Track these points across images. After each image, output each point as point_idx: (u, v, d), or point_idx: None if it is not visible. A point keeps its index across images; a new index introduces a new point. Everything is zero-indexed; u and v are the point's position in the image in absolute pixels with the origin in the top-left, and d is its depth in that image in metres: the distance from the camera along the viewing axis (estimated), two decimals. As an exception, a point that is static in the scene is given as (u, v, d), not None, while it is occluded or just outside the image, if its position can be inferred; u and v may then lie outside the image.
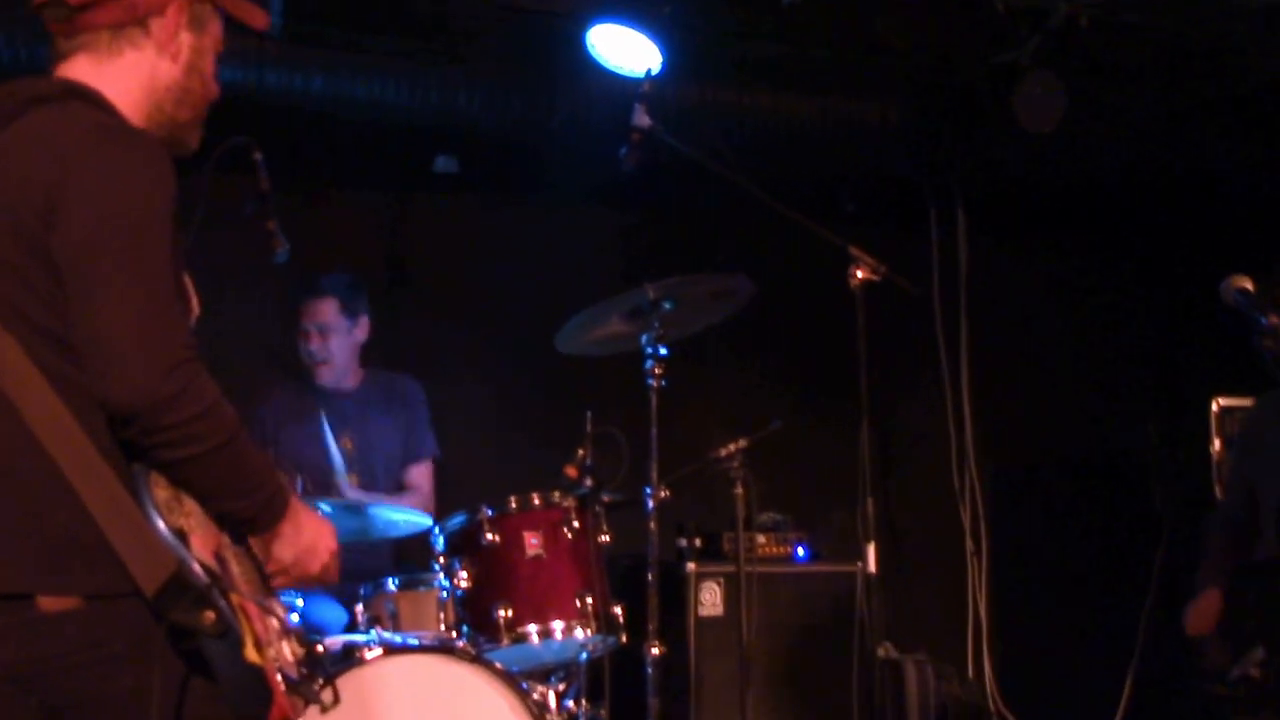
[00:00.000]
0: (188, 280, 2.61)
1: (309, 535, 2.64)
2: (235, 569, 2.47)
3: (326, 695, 2.55)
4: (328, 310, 5.57)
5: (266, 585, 2.61)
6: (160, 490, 2.36)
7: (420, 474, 5.70)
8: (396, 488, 5.58)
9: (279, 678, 2.37)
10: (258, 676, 2.32)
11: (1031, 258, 7.97)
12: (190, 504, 2.42)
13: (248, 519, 2.53)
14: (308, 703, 2.49)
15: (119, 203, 2.41)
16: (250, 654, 2.28)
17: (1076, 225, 7.72)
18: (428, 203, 7.03)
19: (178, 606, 2.27)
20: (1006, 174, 7.23)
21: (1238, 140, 6.75)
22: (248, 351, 6.08)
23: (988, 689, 7.66)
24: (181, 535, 2.32)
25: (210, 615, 2.27)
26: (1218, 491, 5.74)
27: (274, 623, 2.48)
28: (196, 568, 2.29)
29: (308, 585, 2.78)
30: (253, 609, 2.38)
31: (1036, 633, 7.60)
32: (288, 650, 2.49)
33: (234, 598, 2.34)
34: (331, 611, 5.04)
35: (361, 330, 5.66)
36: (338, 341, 5.58)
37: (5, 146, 2.47)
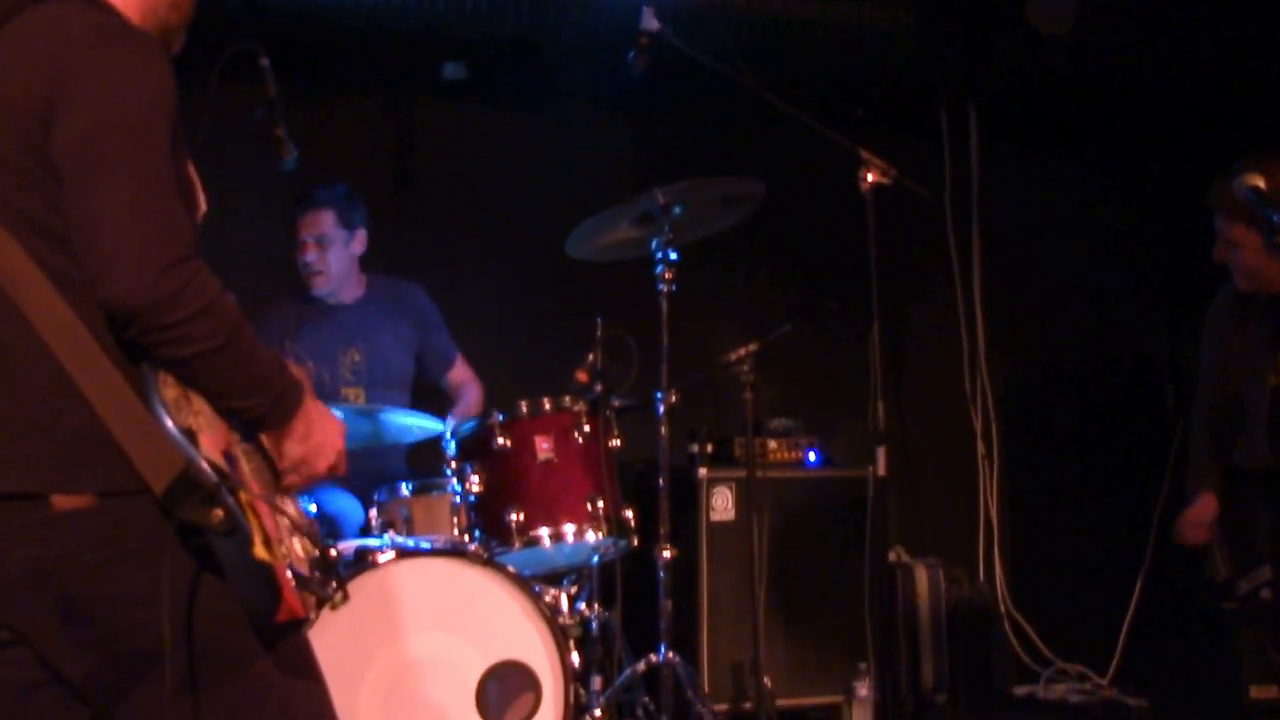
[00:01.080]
0: (194, 175, 2.58)
1: (319, 434, 2.62)
2: (245, 466, 2.47)
3: (337, 595, 2.57)
4: (325, 221, 5.54)
5: (278, 482, 2.60)
6: (169, 389, 2.35)
7: (459, 373, 5.69)
8: (405, 397, 5.58)
9: (289, 574, 2.38)
10: (267, 574, 2.33)
11: (1045, 162, 7.91)
12: (199, 403, 2.41)
13: (257, 417, 2.52)
14: (319, 601, 2.51)
15: (117, 102, 2.38)
16: (259, 551, 2.29)
17: (1091, 129, 7.66)
18: (436, 110, 6.98)
19: (186, 504, 2.26)
20: (1019, 78, 7.16)
21: (1258, 42, 6.65)
22: (255, 260, 6.06)
23: (998, 591, 7.68)
24: (190, 434, 2.32)
25: (218, 513, 2.27)
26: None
27: (285, 520, 2.48)
28: (205, 466, 2.28)
29: (317, 482, 2.70)
30: (263, 506, 2.39)
31: (1048, 536, 7.62)
32: (299, 547, 2.50)
33: (243, 495, 2.33)
34: (348, 504, 5.06)
35: (359, 243, 5.63)
36: (335, 253, 5.55)
37: (2, 45, 2.44)
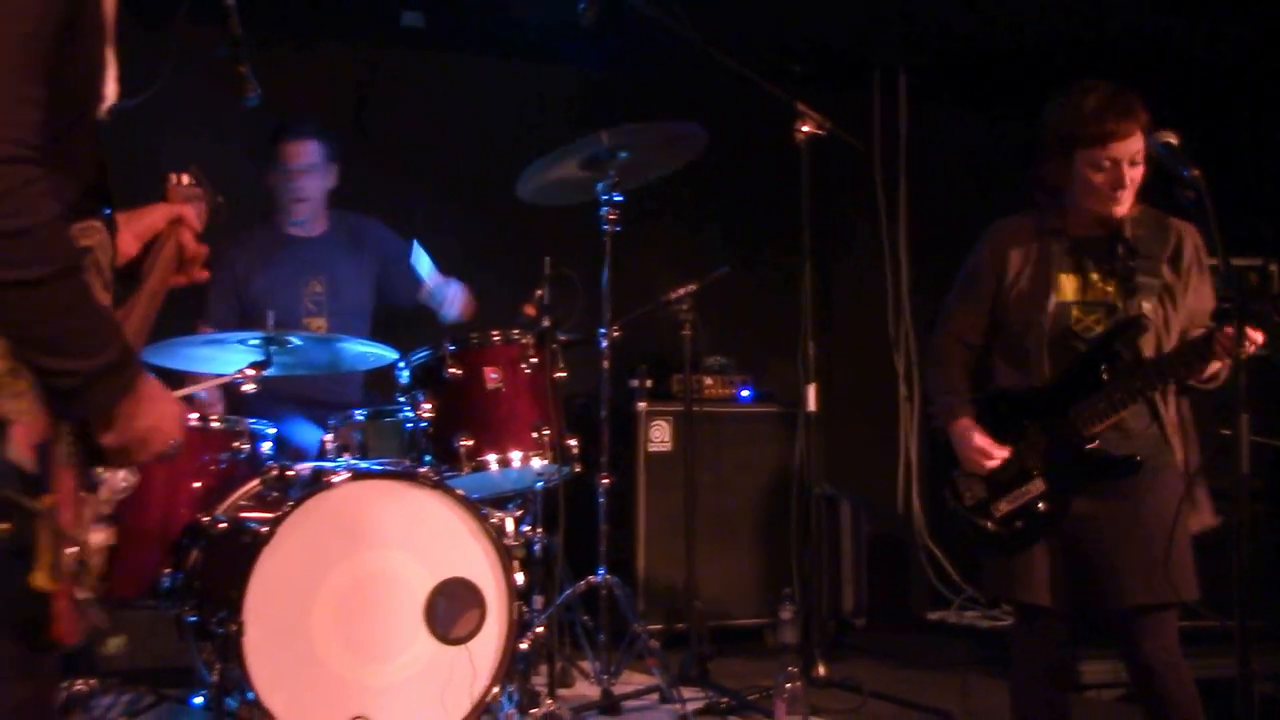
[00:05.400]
0: (109, 58, 2.07)
1: (145, 422, 2.07)
2: (63, 453, 1.98)
3: (101, 620, 2.05)
4: (313, 151, 5.47)
5: (93, 470, 2.10)
6: None
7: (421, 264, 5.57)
8: (367, 329, 5.52)
9: (69, 601, 1.96)
10: (43, 601, 1.89)
11: (968, 118, 7.92)
12: (26, 381, 1.90)
13: (74, 389, 1.94)
14: (92, 631, 2.03)
15: None
16: (38, 580, 1.88)
17: (1010, 87, 7.66)
18: (394, 56, 6.92)
19: None
20: (949, 37, 7.16)
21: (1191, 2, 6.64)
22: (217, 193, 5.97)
23: (915, 525, 7.74)
24: (2, 425, 1.85)
25: (3, 527, 1.83)
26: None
27: (89, 511, 2.06)
28: (3, 467, 1.84)
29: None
30: (67, 505, 1.97)
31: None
32: (95, 539, 2.07)
33: (46, 501, 1.89)
34: (309, 433, 5.03)
35: (333, 177, 5.56)
36: (316, 182, 5.49)
37: None
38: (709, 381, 6.60)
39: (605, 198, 5.03)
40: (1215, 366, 3.58)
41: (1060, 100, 3.75)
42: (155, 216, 2.44)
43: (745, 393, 6.69)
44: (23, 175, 1.82)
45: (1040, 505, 3.69)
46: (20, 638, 1.92)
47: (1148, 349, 3.69)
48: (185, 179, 2.63)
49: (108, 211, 2.17)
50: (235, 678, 3.97)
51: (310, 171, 5.47)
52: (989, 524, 3.74)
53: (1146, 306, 3.68)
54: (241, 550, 4.04)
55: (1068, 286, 3.76)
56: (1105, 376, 3.64)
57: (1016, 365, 3.79)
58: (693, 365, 5.48)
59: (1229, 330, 3.34)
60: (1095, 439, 3.66)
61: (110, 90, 2.09)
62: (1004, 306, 3.81)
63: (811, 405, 5.45)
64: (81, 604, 1.96)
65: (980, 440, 3.75)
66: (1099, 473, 3.67)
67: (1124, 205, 3.70)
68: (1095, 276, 3.76)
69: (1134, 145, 3.63)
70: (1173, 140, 3.52)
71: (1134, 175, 3.66)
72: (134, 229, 2.40)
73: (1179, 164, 3.46)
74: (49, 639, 1.91)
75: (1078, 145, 3.67)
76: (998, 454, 3.74)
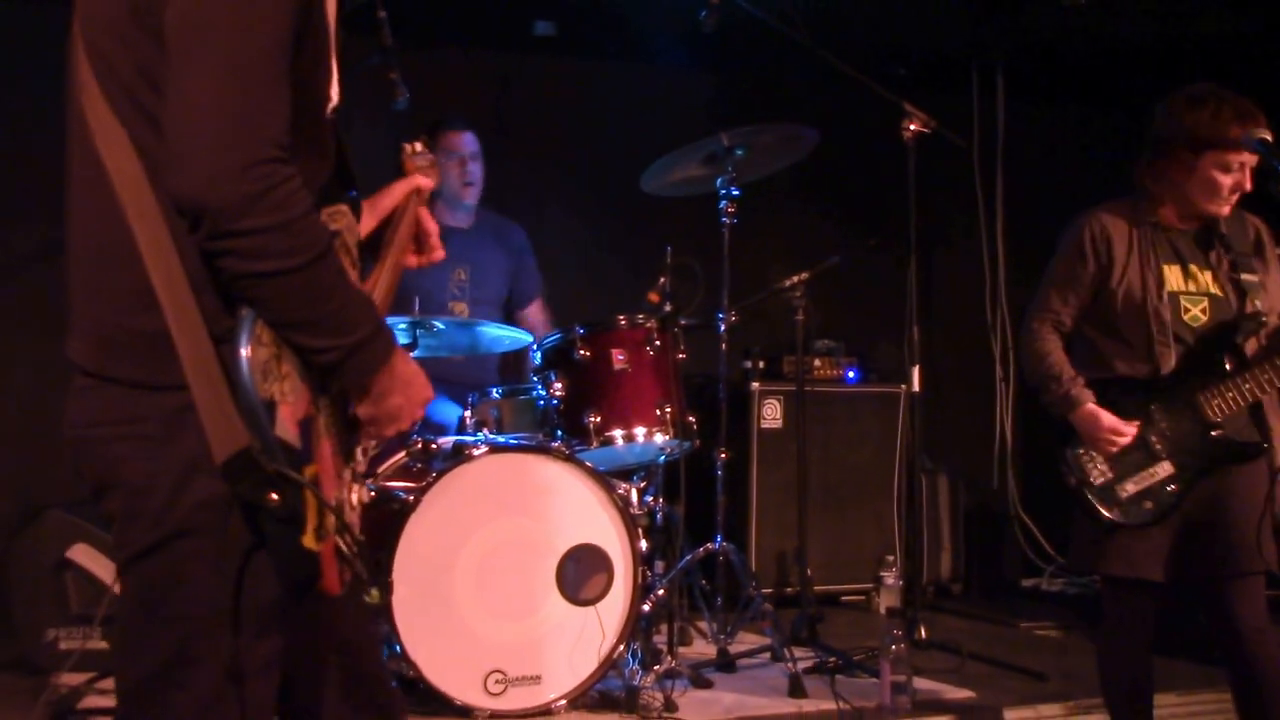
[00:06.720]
0: (334, 66, 2.07)
1: (398, 397, 2.09)
2: (322, 426, 2.00)
3: (362, 571, 2.03)
4: (473, 141, 5.47)
5: (350, 437, 2.11)
6: (261, 349, 1.87)
7: (536, 310, 5.62)
8: (501, 316, 5.50)
9: (333, 553, 1.97)
10: (312, 560, 1.91)
11: (1064, 119, 7.79)
12: (289, 363, 1.92)
13: (333, 364, 1.95)
14: (354, 578, 2.02)
15: None
16: (308, 541, 1.90)
17: (1106, 86, 7.50)
18: (529, 62, 6.89)
19: (243, 482, 1.84)
20: (1043, 42, 7.03)
21: (1268, 6, 6.45)
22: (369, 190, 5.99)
23: (1010, 497, 7.62)
24: (270, 406, 1.86)
25: (274, 497, 1.84)
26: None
27: (347, 477, 2.09)
28: (274, 444, 1.85)
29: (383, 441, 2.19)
30: (328, 471, 1.99)
31: (1054, 449, 7.52)
32: (355, 498, 2.11)
33: (309, 471, 1.91)
34: (450, 410, 5.02)
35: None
36: (480, 168, 5.47)
37: None
38: (818, 363, 6.53)
39: (724, 192, 4.98)
40: None
41: (1189, 103, 3.61)
42: (395, 193, 2.41)
43: (852, 374, 6.61)
44: (280, 174, 1.83)
45: (1170, 487, 3.59)
46: (293, 593, 1.96)
47: (1249, 341, 3.61)
48: (419, 146, 2.57)
49: (353, 194, 2.19)
50: (384, 633, 3.98)
51: (476, 158, 5.46)
52: (1115, 504, 3.63)
53: (1260, 305, 3.60)
54: (390, 517, 4.04)
55: (1172, 277, 3.65)
56: (1228, 366, 3.56)
57: (1129, 351, 3.67)
58: (803, 348, 5.40)
59: None
60: (1221, 426, 3.56)
61: (334, 93, 2.08)
62: (1109, 294, 3.68)
63: (915, 386, 5.39)
64: (345, 558, 1.97)
65: (1111, 421, 3.63)
66: (1226, 457, 3.58)
67: (1231, 205, 3.62)
68: (1195, 268, 3.65)
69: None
70: (1267, 136, 3.45)
71: (1248, 178, 3.58)
72: (376, 208, 2.39)
73: (1273, 158, 3.40)
74: (318, 591, 1.93)
75: (1211, 148, 3.54)
76: (1129, 431, 3.63)
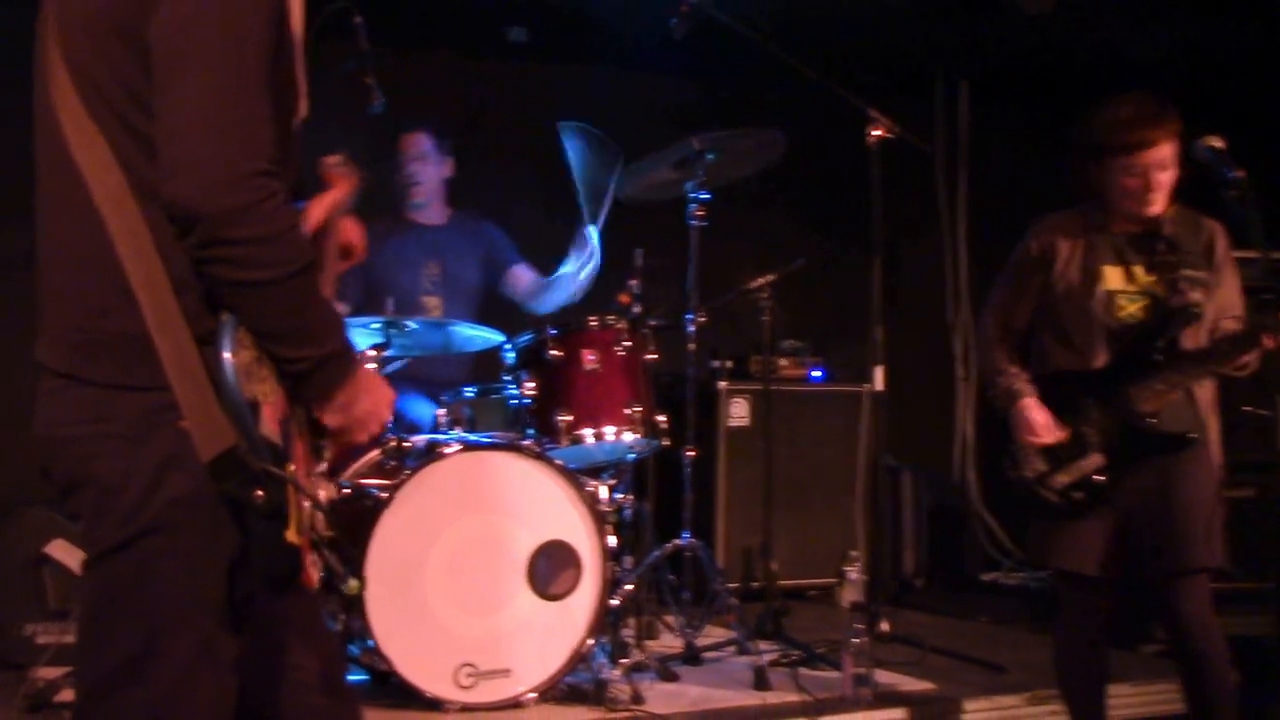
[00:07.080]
0: (300, 78, 2.09)
1: (365, 404, 2.13)
2: (295, 430, 2.07)
3: (336, 564, 2.09)
4: (423, 141, 5.49)
5: (318, 442, 2.17)
6: (244, 352, 1.92)
7: (522, 270, 5.57)
8: (475, 313, 5.53)
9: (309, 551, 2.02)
10: (294, 554, 1.95)
11: (1027, 125, 7.82)
12: (267, 366, 1.97)
13: (302, 373, 2.00)
14: (328, 573, 2.07)
15: None
16: (291, 536, 1.93)
17: (1070, 96, 7.55)
18: (500, 67, 6.91)
19: (229, 480, 1.87)
20: (1006, 50, 7.08)
21: (1230, 18, 6.51)
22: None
23: (970, 494, 7.67)
24: (255, 407, 1.91)
25: (259, 494, 1.87)
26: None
27: (315, 467, 2.15)
28: (260, 443, 1.90)
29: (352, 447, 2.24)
30: (301, 470, 2.05)
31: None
32: (323, 494, 2.15)
33: (290, 469, 1.96)
34: (423, 409, 5.04)
35: (448, 168, 5.56)
36: (429, 170, 5.50)
37: None
38: (784, 363, 6.57)
39: (693, 196, 5.01)
40: (1248, 357, 3.55)
41: (1095, 111, 3.70)
42: (317, 211, 2.44)
43: (817, 373, 6.66)
44: (268, 188, 1.87)
45: (1099, 477, 3.65)
46: (275, 588, 1.99)
47: (1188, 337, 3.64)
48: (336, 158, 2.64)
49: (300, 205, 2.24)
50: (357, 628, 4.00)
51: (422, 159, 5.49)
52: (1050, 495, 3.70)
53: (1196, 297, 3.63)
54: (363, 514, 4.06)
55: (1112, 277, 3.70)
56: (1159, 359, 3.60)
57: (1070, 348, 3.74)
58: (770, 348, 5.45)
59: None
60: (1152, 416, 3.61)
61: (303, 106, 2.12)
62: (1053, 295, 3.77)
63: (879, 385, 5.40)
64: (320, 552, 2.03)
65: (1036, 418, 3.71)
66: (1154, 448, 3.62)
67: (1156, 206, 3.64)
68: (1138, 269, 3.70)
69: (1162, 152, 3.59)
70: (1218, 144, 3.49)
71: (1164, 179, 3.61)
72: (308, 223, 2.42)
73: (1224, 166, 3.44)
74: (298, 584, 1.98)
75: (1109, 153, 3.62)
76: (1053, 434, 3.69)
